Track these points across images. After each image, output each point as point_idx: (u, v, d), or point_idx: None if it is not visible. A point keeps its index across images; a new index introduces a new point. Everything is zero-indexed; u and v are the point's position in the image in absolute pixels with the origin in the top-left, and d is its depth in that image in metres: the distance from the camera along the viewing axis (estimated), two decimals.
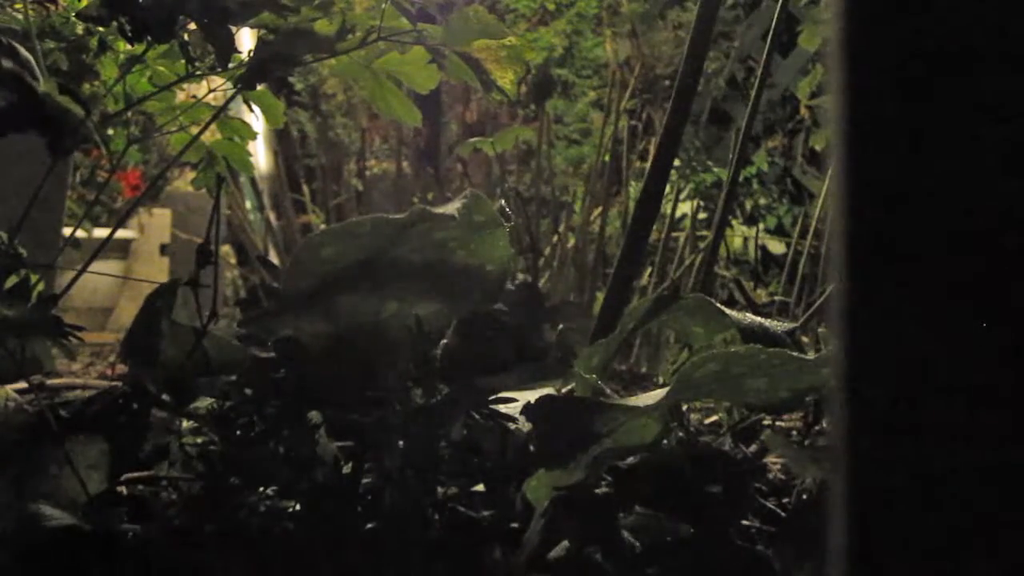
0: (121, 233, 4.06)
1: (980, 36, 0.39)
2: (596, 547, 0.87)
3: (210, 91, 1.27)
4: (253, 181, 3.65)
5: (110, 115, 1.15)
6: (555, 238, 3.03)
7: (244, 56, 1.12)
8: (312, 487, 0.84)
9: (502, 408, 0.89)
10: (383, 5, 1.12)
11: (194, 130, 1.28)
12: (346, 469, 0.87)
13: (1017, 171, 0.38)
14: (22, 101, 0.89)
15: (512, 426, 0.89)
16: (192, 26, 1.09)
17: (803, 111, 4.51)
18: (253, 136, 1.33)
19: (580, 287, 2.87)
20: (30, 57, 0.94)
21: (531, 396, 0.90)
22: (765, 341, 0.90)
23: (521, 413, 0.89)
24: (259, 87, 1.17)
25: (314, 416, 0.88)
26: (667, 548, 0.89)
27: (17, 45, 0.93)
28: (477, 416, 0.88)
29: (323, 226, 3.05)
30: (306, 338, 0.90)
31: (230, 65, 1.09)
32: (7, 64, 0.90)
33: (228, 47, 1.05)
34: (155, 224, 4.36)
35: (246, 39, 1.21)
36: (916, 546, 0.39)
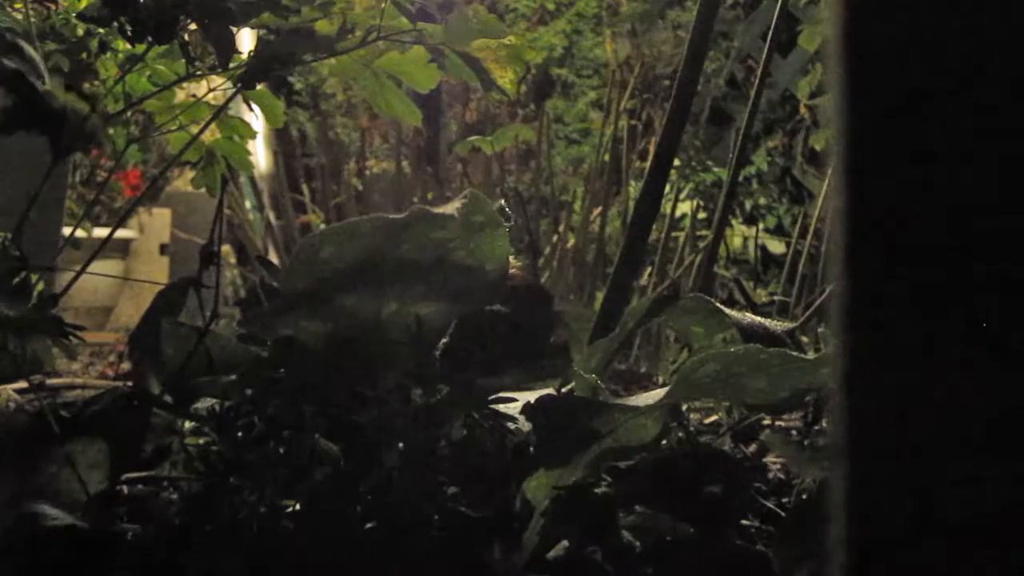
0: (121, 233, 4.06)
1: (980, 35, 0.39)
2: (596, 547, 0.87)
3: (210, 91, 1.27)
4: (253, 181, 3.65)
5: (110, 115, 1.15)
6: (555, 238, 3.03)
7: (244, 56, 1.12)
8: (312, 487, 0.84)
9: (502, 408, 0.89)
10: (383, 5, 1.12)
11: (194, 129, 1.28)
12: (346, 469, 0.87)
13: (1018, 169, 0.38)
14: (25, 100, 0.89)
15: (512, 426, 0.89)
16: (193, 26, 1.09)
17: (803, 111, 4.50)
18: (253, 135, 1.33)
19: (580, 287, 2.87)
20: (36, 56, 0.94)
21: (531, 396, 0.90)
22: (765, 341, 0.90)
23: (521, 413, 0.89)
24: (259, 87, 1.17)
25: (313, 416, 0.88)
26: (667, 548, 0.89)
27: (23, 44, 0.93)
28: (477, 416, 0.88)
29: (323, 226, 3.05)
30: (306, 338, 0.90)
31: (230, 65, 1.09)
32: (10, 63, 0.90)
33: (229, 47, 1.05)
34: (155, 224, 4.36)
35: (246, 39, 1.21)
36: (916, 546, 0.39)
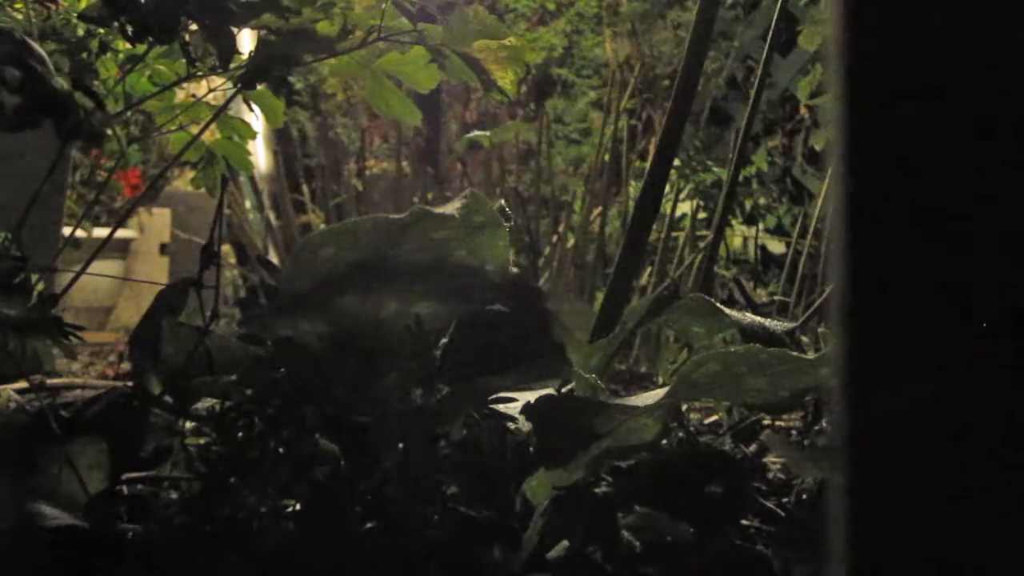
0: (121, 233, 4.06)
1: (980, 35, 0.39)
2: (596, 547, 0.87)
3: (210, 91, 1.27)
4: (253, 181, 3.65)
5: (110, 115, 1.15)
6: (555, 238, 3.03)
7: (245, 56, 1.12)
8: (312, 487, 0.84)
9: (502, 408, 0.89)
10: (383, 5, 1.12)
11: (194, 130, 1.28)
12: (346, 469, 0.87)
13: (1018, 169, 0.38)
14: (36, 94, 0.89)
15: (512, 426, 0.89)
16: (193, 26, 1.09)
17: (803, 111, 4.51)
18: (253, 136, 1.33)
19: (580, 287, 2.87)
20: (43, 53, 0.94)
21: (531, 396, 0.90)
22: (765, 341, 0.90)
23: (521, 413, 0.89)
24: (259, 87, 1.17)
25: (313, 416, 0.88)
26: (667, 548, 0.89)
27: (32, 42, 0.93)
28: (477, 416, 0.89)
29: (323, 226, 3.04)
30: (306, 338, 0.90)
31: (231, 65, 1.09)
32: (26, 59, 0.90)
33: (230, 48, 1.05)
34: (155, 224, 4.36)
35: (247, 40, 1.21)
36: (915, 546, 0.39)
